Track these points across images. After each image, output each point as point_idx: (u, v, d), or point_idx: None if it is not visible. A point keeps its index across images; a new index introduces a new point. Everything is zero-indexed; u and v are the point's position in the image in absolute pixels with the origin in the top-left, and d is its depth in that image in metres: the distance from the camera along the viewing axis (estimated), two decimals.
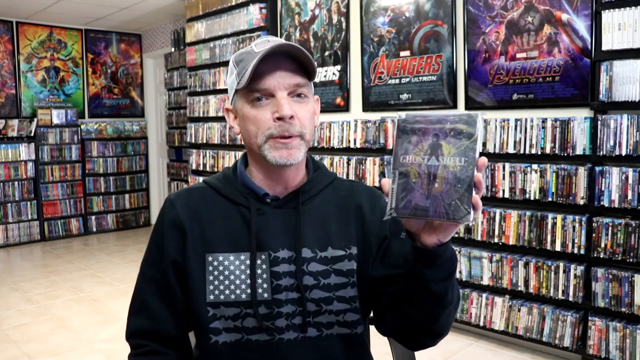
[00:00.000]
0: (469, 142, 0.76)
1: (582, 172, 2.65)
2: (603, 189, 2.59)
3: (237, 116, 1.06)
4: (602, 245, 2.59)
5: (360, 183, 1.16)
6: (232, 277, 1.01)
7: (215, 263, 1.02)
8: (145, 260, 1.10)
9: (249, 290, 1.01)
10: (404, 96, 3.53)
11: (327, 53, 4.02)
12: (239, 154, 4.59)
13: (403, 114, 0.81)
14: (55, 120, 6.13)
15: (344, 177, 3.11)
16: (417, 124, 0.79)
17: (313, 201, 1.07)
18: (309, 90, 1.04)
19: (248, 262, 1.02)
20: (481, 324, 3.06)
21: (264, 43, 0.99)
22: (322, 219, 1.06)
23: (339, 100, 3.95)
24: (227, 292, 1.01)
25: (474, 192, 0.75)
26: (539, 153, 2.82)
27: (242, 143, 4.94)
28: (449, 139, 0.76)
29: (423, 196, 0.77)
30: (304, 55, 0.99)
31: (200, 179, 4.97)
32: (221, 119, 4.87)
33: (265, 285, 1.01)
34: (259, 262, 1.02)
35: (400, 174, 0.78)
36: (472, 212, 0.75)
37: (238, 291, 1.01)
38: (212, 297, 1.01)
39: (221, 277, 1.01)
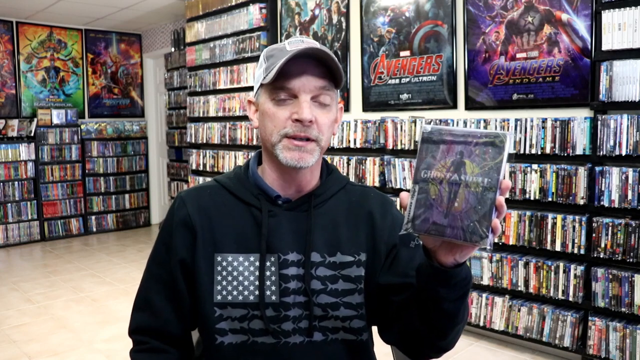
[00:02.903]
0: (494, 163, 0.72)
1: (582, 172, 2.65)
2: (603, 189, 2.59)
3: (257, 110, 1.05)
4: (602, 245, 2.59)
5: (372, 189, 1.14)
6: (240, 278, 1.00)
7: (224, 263, 1.01)
8: (153, 257, 1.09)
9: (257, 292, 1.00)
10: (404, 96, 3.53)
11: None
12: (239, 154, 4.58)
13: (428, 127, 0.78)
14: (55, 120, 6.13)
15: None
16: (442, 138, 0.76)
17: (325, 205, 1.06)
18: (334, 97, 1.03)
19: (257, 263, 1.01)
20: (481, 324, 3.06)
21: (298, 43, 0.99)
22: (333, 223, 1.05)
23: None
24: (234, 293, 1.00)
25: (494, 216, 0.72)
26: (539, 153, 2.82)
27: (242, 143, 4.90)
28: (474, 158, 0.73)
29: (441, 214, 0.74)
30: (334, 62, 0.98)
31: (200, 179, 4.97)
32: (221, 119, 4.87)
33: (273, 288, 1.00)
34: (268, 264, 1.01)
35: (420, 189, 0.76)
36: (490, 236, 0.72)
37: (246, 292, 1.00)
38: (219, 297, 1.00)
39: (229, 278, 1.01)
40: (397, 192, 3.38)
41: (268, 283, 1.00)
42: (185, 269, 1.03)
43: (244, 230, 1.03)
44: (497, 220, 0.72)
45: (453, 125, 3.18)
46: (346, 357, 1.04)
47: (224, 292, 1.00)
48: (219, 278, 1.01)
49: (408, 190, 0.79)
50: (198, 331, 1.08)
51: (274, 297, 1.00)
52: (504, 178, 0.73)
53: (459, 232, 0.73)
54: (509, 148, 0.73)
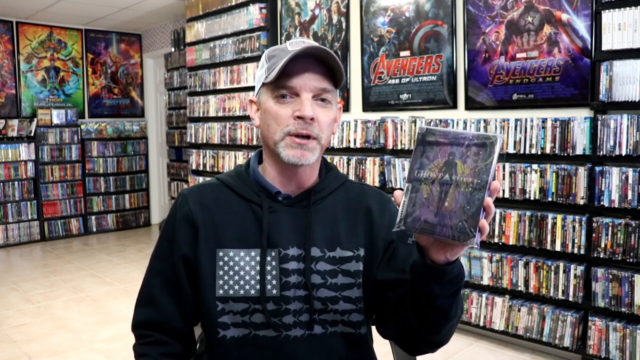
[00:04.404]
0: (484, 165, 0.75)
1: (582, 172, 2.65)
2: (603, 189, 2.59)
3: (259, 109, 1.08)
4: (602, 245, 2.59)
5: (370, 186, 1.17)
6: (242, 272, 1.03)
7: (226, 258, 1.03)
8: (155, 253, 1.11)
9: (258, 286, 1.02)
10: (404, 96, 3.53)
11: None
12: (239, 154, 4.59)
13: (424, 127, 0.81)
14: (55, 120, 6.13)
15: None
16: (436, 139, 0.79)
17: (324, 202, 1.08)
18: (334, 97, 1.06)
19: (258, 258, 1.03)
20: (481, 324, 3.06)
21: (299, 43, 1.01)
22: (332, 219, 1.07)
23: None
24: (236, 287, 1.02)
25: (481, 216, 0.74)
26: (539, 153, 2.82)
27: (242, 143, 4.90)
28: (465, 159, 0.76)
29: (432, 213, 0.76)
30: (335, 62, 1.00)
31: (200, 179, 4.97)
32: (221, 119, 4.87)
33: (274, 282, 1.02)
34: (268, 258, 1.03)
35: (413, 188, 0.79)
36: (477, 235, 0.74)
37: (247, 287, 1.02)
38: (221, 291, 1.02)
39: (231, 273, 1.03)
40: None
41: (269, 277, 1.02)
42: (188, 265, 1.06)
43: (245, 226, 1.05)
44: (484, 220, 0.75)
45: (452, 125, 3.18)
46: (345, 349, 1.06)
47: (226, 287, 1.02)
48: (221, 273, 1.03)
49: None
50: (200, 326, 1.09)
51: (274, 291, 1.02)
52: (494, 179, 0.75)
53: (448, 230, 0.75)
54: (499, 150, 0.75)
